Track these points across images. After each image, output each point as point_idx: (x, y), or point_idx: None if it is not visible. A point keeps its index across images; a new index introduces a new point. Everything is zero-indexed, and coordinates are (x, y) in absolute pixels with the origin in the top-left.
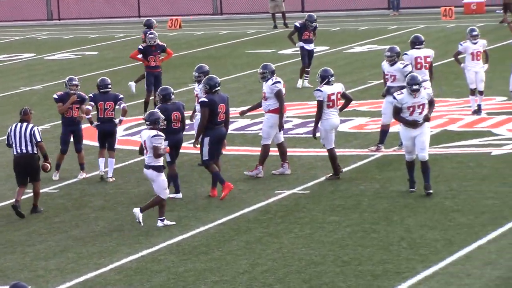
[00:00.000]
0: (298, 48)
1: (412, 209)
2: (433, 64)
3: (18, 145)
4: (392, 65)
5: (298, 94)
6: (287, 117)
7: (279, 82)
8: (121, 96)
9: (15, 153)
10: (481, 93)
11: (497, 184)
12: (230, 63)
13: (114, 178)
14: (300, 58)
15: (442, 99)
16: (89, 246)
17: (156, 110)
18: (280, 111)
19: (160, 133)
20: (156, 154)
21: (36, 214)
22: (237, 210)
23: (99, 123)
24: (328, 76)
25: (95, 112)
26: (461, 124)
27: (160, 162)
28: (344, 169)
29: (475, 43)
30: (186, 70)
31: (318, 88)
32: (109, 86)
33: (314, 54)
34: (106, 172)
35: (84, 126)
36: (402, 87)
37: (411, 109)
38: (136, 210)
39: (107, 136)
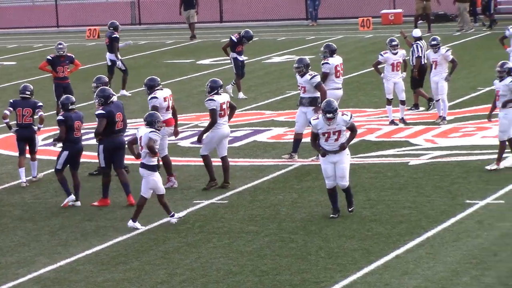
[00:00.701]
0: (230, 60)
1: (330, 219)
2: (351, 75)
3: None
4: (302, 76)
5: None
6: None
7: (155, 98)
8: (40, 103)
9: None
10: (403, 102)
11: (414, 193)
12: (149, 73)
13: (40, 175)
14: (233, 68)
15: (359, 109)
16: (7, 256)
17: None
18: None
19: (157, 132)
20: (150, 146)
21: None
22: (155, 220)
23: (17, 128)
24: (218, 87)
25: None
26: (379, 134)
27: (154, 161)
28: (262, 179)
29: (395, 54)
30: None
31: (211, 98)
32: (27, 92)
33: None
34: (29, 181)
35: (4, 135)
36: (313, 98)
37: (326, 135)
38: (131, 224)
39: (26, 141)
